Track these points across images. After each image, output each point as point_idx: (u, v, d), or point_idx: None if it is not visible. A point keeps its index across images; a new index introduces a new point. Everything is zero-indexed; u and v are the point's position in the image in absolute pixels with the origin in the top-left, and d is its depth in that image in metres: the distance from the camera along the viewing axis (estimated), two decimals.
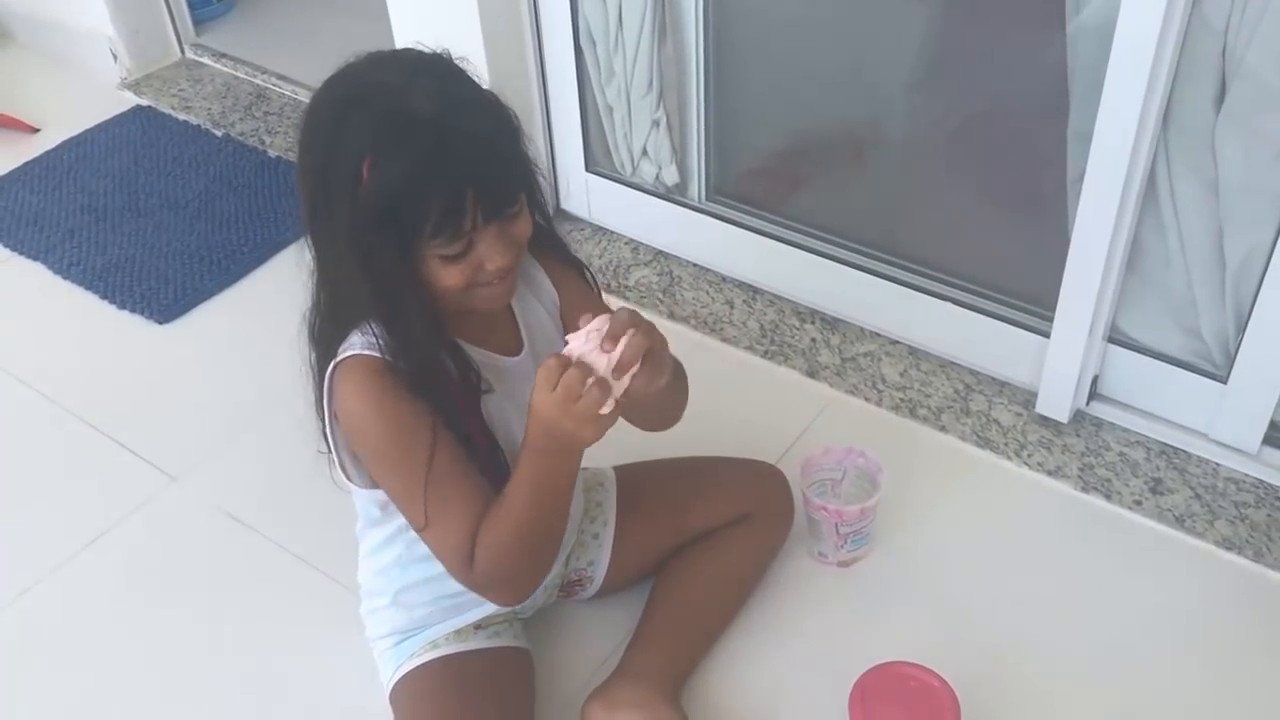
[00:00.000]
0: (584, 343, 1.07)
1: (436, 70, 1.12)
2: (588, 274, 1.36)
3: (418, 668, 1.33)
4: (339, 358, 1.16)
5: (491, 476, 1.20)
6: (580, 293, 1.34)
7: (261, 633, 1.54)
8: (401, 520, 1.24)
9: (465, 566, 1.17)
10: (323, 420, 1.22)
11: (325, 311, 1.19)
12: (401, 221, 1.07)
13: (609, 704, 1.35)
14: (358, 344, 1.15)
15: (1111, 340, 1.68)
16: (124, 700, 1.49)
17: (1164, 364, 1.66)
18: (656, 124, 1.95)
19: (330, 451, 1.23)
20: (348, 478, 1.24)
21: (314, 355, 1.21)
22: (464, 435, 1.18)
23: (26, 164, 2.44)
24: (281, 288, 2.12)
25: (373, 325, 1.15)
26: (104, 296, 2.10)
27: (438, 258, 1.11)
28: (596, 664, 1.45)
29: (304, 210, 1.14)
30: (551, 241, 1.30)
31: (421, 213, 1.07)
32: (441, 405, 1.16)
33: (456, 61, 1.14)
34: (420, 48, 1.15)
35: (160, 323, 2.04)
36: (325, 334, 1.19)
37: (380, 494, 1.24)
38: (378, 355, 1.14)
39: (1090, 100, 1.47)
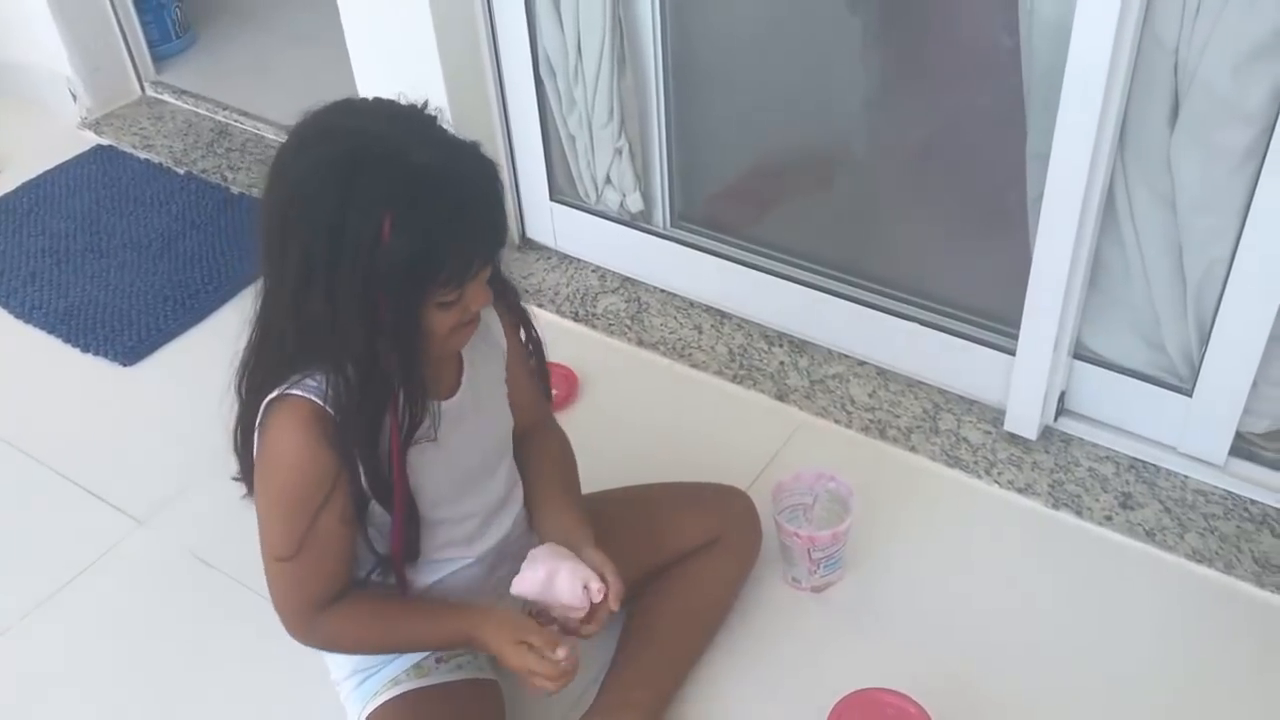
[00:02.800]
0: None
1: (423, 121, 1.13)
2: (531, 332, 1.38)
3: (381, 706, 1.31)
4: (283, 389, 1.15)
5: (403, 526, 1.22)
6: (517, 358, 1.37)
7: (232, 675, 1.53)
8: None
9: (303, 618, 1.24)
10: (240, 446, 1.24)
11: (280, 355, 1.17)
12: (418, 274, 1.09)
13: None
14: (302, 387, 1.15)
15: (1077, 356, 1.69)
16: None
17: (1130, 378, 1.67)
18: (619, 152, 1.95)
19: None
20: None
21: (245, 387, 1.21)
22: (381, 485, 1.19)
23: None
24: (246, 326, 2.09)
25: (328, 375, 1.14)
26: (67, 340, 2.08)
27: (436, 305, 1.13)
28: (571, 696, 1.44)
29: (293, 265, 1.11)
30: (501, 286, 1.31)
31: (439, 264, 1.09)
32: (370, 458, 1.17)
33: (432, 112, 1.15)
34: (392, 98, 1.16)
35: (125, 365, 2.03)
36: (274, 374, 1.17)
37: None
38: (318, 402, 1.14)
39: (1047, 120, 1.48)
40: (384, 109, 1.14)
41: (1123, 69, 1.41)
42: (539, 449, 1.42)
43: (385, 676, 1.33)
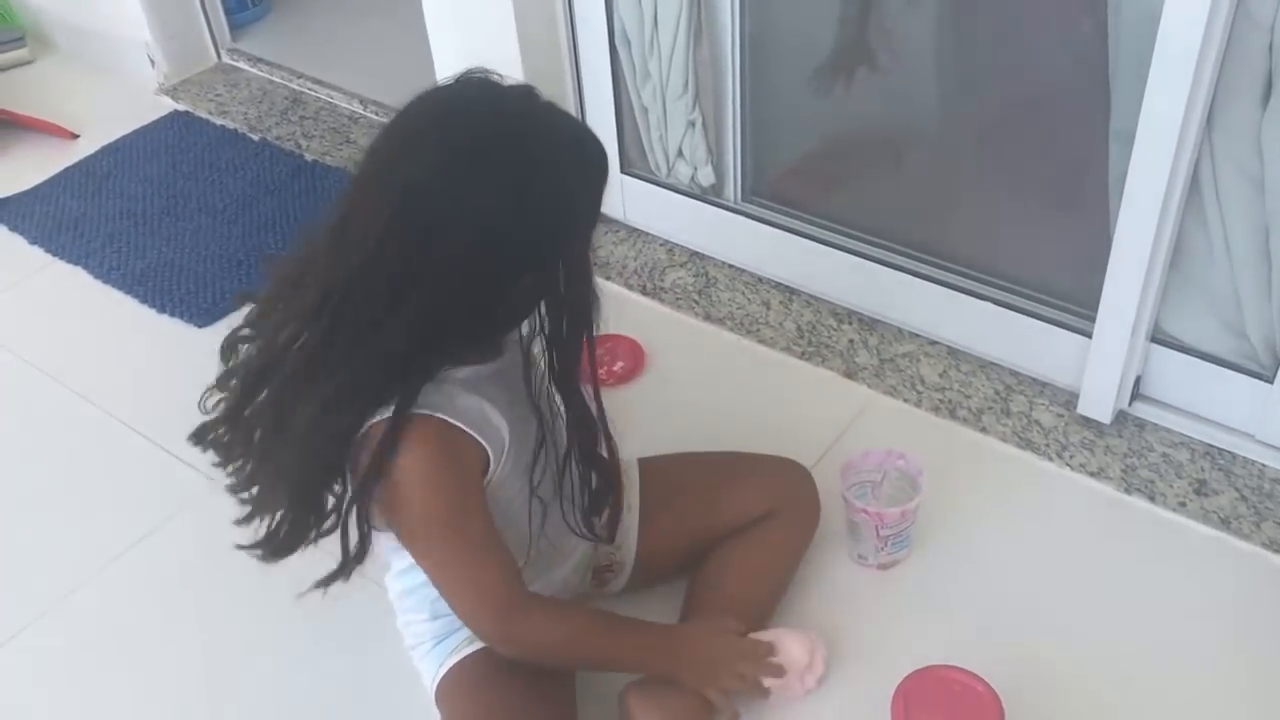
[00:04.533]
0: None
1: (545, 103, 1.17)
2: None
3: (460, 662, 1.33)
4: (415, 410, 1.13)
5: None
6: None
7: (304, 634, 1.55)
8: None
9: (502, 613, 1.23)
10: (350, 473, 1.16)
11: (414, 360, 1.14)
12: (580, 225, 1.17)
13: (647, 698, 1.34)
14: (429, 404, 1.14)
15: (1155, 340, 1.66)
16: (167, 698, 1.50)
17: (1208, 364, 1.64)
18: (692, 125, 1.95)
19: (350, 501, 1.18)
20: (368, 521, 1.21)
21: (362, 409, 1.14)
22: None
23: (66, 169, 2.47)
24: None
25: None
26: (144, 301, 2.12)
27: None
28: None
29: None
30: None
31: (591, 209, 1.17)
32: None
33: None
34: (492, 77, 1.16)
35: (200, 326, 2.06)
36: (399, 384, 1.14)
37: None
38: (443, 418, 1.15)
39: (1133, 98, 1.46)
40: (525, 96, 1.15)
41: (1215, 47, 1.38)
42: None
43: (463, 635, 1.34)
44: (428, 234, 1.08)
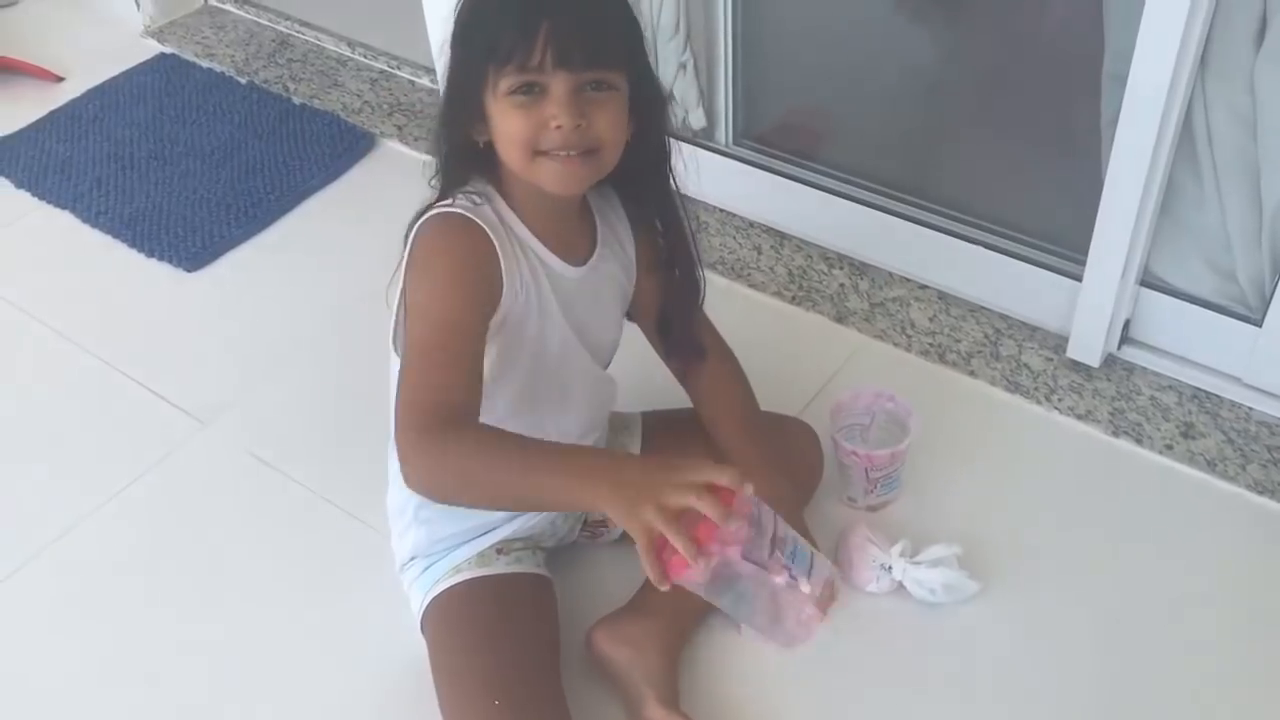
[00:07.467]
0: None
1: None
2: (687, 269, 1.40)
3: (444, 592, 1.33)
4: (436, 209, 1.18)
5: None
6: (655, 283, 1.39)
7: (292, 575, 1.56)
8: None
9: (435, 427, 1.06)
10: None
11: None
12: (474, 37, 1.12)
13: (612, 634, 1.36)
14: (458, 204, 1.18)
15: (1144, 284, 1.67)
16: (155, 642, 1.50)
17: (1198, 307, 1.64)
18: (683, 67, 1.93)
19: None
20: (395, 347, 1.24)
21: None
22: None
23: (52, 113, 2.44)
24: (308, 235, 2.12)
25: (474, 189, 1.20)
26: (132, 245, 2.10)
27: (507, 98, 1.12)
28: (617, 603, 1.45)
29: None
30: (661, 203, 1.34)
31: (493, 31, 1.10)
32: None
33: None
34: None
35: (188, 270, 2.05)
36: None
37: None
38: (469, 216, 1.17)
39: (1126, 40, 1.45)
40: None
41: None
42: (710, 389, 1.47)
43: (448, 563, 1.35)
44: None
